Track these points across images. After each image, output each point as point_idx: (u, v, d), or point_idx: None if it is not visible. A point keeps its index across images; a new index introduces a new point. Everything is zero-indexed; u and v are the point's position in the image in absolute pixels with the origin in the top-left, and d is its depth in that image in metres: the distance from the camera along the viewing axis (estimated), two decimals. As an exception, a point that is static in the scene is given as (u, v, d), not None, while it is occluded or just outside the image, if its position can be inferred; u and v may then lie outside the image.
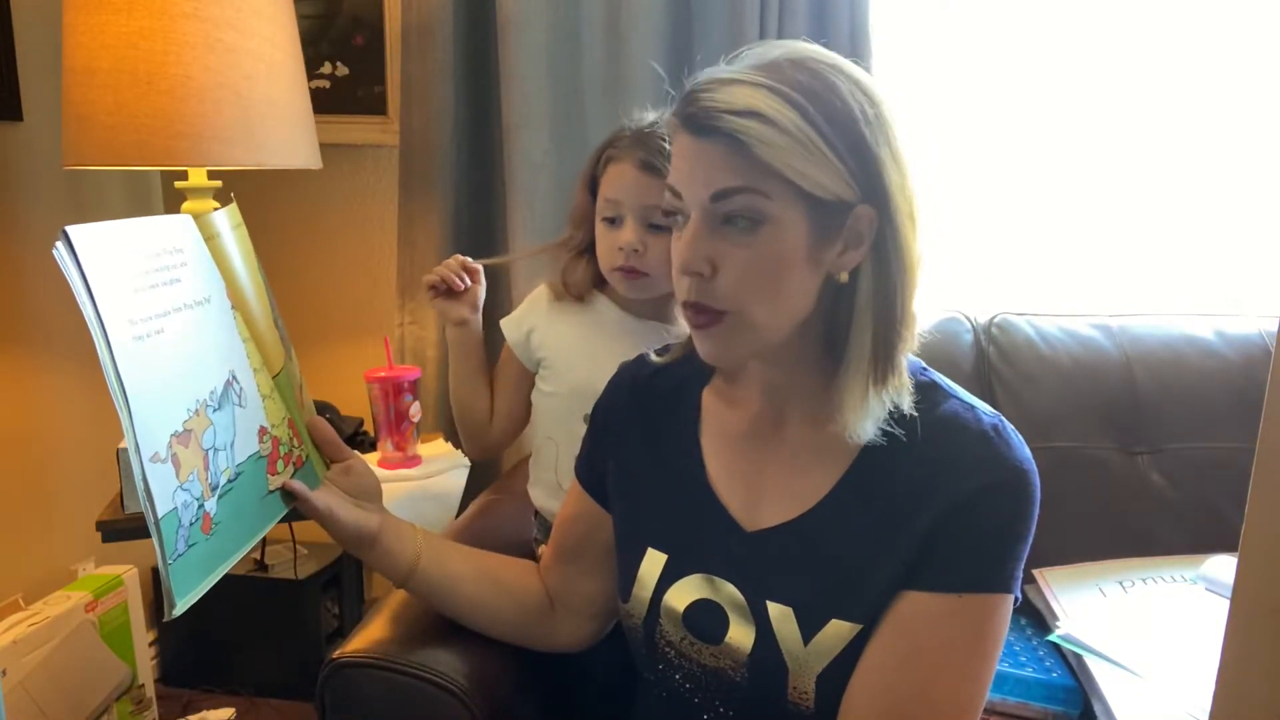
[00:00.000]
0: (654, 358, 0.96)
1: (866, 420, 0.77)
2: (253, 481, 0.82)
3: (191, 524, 0.72)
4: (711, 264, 0.75)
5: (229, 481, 0.78)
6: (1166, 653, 1.05)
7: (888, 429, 0.79)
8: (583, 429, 1.15)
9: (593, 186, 1.15)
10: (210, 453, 0.75)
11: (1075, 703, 1.07)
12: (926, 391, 0.82)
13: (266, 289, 0.96)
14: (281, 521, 0.89)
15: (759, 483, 0.86)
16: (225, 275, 0.87)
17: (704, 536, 0.87)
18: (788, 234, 0.73)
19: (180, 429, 0.72)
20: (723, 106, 0.72)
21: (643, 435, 0.94)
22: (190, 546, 0.72)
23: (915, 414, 0.79)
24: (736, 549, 0.85)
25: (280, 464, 0.86)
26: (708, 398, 0.92)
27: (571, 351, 1.19)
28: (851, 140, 0.72)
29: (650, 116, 1.12)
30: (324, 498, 0.91)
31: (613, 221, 1.12)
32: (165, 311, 0.74)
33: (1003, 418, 0.81)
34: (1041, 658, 1.12)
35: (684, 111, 0.74)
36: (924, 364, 0.85)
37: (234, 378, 0.81)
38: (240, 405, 0.81)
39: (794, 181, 0.72)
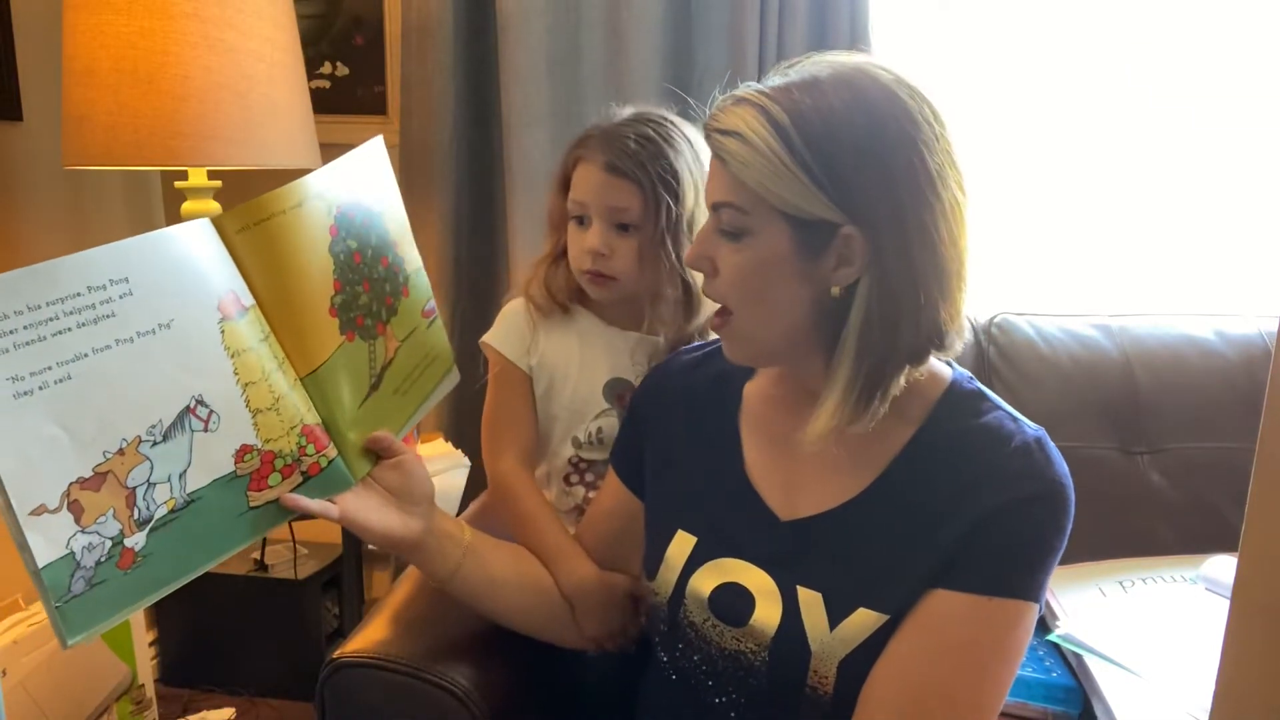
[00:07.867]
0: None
1: (829, 432, 0.79)
2: (217, 505, 0.78)
3: (99, 563, 0.70)
4: (712, 263, 0.82)
5: (171, 512, 0.75)
6: (1166, 653, 1.05)
7: (930, 434, 0.82)
8: (569, 453, 1.13)
9: (566, 186, 1.08)
10: (141, 488, 0.73)
11: (1075, 703, 1.06)
12: (972, 400, 0.84)
13: (353, 262, 0.88)
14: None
15: (797, 476, 0.87)
16: (265, 265, 0.80)
17: (737, 523, 0.88)
18: (770, 246, 0.78)
19: (89, 474, 0.70)
20: (713, 126, 0.79)
21: (683, 422, 0.95)
22: (95, 585, 0.70)
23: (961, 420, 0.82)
24: (770, 536, 0.86)
25: (275, 477, 0.82)
26: (749, 391, 0.94)
27: (565, 372, 1.12)
28: (832, 166, 0.74)
29: (626, 112, 1.06)
30: (349, 503, 0.86)
31: (581, 221, 1.06)
32: (76, 356, 0.69)
33: (1045, 433, 0.83)
34: (1041, 658, 1.12)
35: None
36: (970, 374, 0.87)
37: (199, 402, 0.76)
38: (206, 430, 0.76)
39: (766, 199, 0.76)
